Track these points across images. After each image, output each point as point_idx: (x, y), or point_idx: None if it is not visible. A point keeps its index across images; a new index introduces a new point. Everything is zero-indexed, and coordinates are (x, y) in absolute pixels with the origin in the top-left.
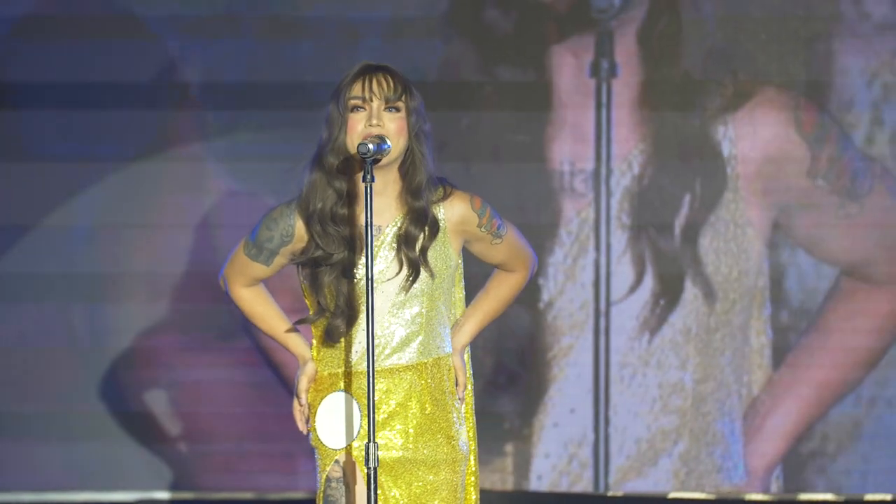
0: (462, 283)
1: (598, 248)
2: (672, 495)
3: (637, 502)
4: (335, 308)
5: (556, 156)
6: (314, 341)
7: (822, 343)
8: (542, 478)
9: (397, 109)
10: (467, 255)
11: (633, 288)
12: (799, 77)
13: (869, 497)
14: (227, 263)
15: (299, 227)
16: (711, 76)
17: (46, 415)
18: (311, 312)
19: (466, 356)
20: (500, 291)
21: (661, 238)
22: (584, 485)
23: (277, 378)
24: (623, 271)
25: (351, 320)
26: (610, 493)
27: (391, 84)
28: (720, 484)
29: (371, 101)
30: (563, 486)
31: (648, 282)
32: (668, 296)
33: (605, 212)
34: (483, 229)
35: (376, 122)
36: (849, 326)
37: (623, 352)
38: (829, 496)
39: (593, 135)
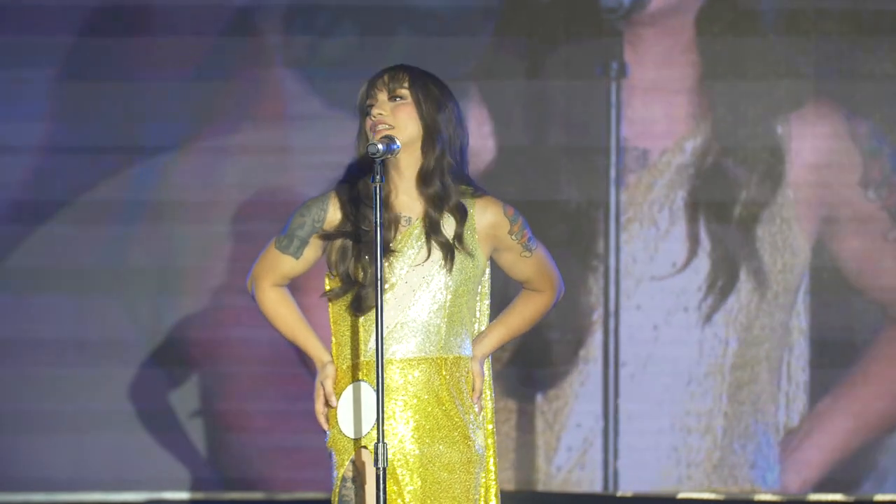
0: (488, 300)
1: (606, 248)
2: (681, 495)
3: (646, 502)
4: (363, 279)
5: (589, 151)
6: (333, 340)
7: (863, 387)
8: (560, 469)
9: (402, 97)
10: (493, 273)
11: (683, 267)
12: (853, 84)
13: (879, 497)
14: (255, 263)
15: (332, 211)
16: (768, 71)
17: (56, 414)
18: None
19: (487, 368)
20: (525, 310)
21: (713, 221)
22: (604, 476)
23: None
24: (669, 249)
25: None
26: (619, 494)
27: (394, 75)
28: (754, 480)
29: (376, 96)
30: (585, 480)
31: (689, 269)
32: (714, 278)
33: (614, 214)
34: (514, 237)
35: (378, 111)
36: (890, 372)
37: (663, 329)
38: (838, 496)
39: (602, 136)
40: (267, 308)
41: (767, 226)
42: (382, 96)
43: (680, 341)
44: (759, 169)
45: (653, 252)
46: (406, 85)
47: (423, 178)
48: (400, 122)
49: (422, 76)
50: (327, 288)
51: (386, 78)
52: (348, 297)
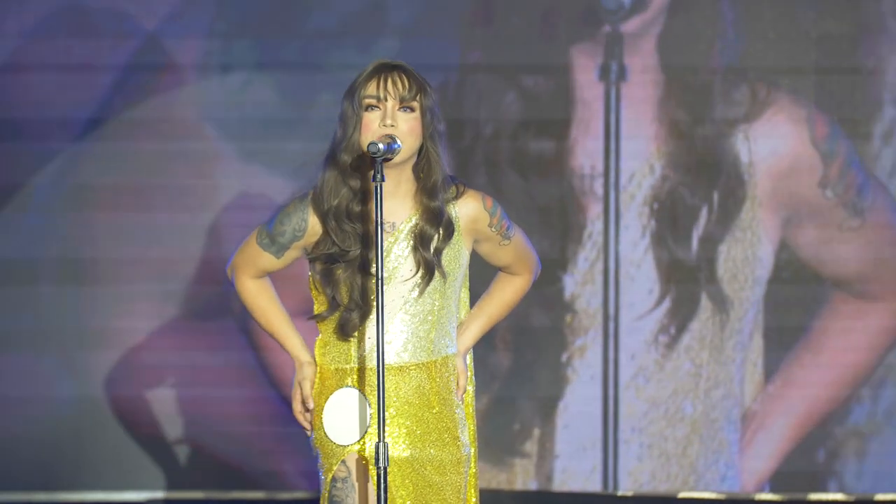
0: (467, 284)
1: (606, 254)
2: (682, 495)
3: (646, 502)
4: (350, 302)
5: (579, 158)
6: (320, 336)
7: (814, 360)
8: (550, 479)
9: (412, 109)
10: (471, 257)
11: (660, 300)
12: (810, 83)
13: (880, 497)
14: (236, 253)
15: (312, 222)
16: (730, 82)
17: (55, 415)
18: (316, 308)
19: (469, 359)
20: (504, 295)
21: (680, 244)
22: (593, 487)
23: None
24: (644, 275)
25: (365, 314)
26: (619, 493)
27: (406, 83)
28: (723, 488)
29: (385, 100)
30: (574, 488)
31: (669, 287)
32: (686, 302)
33: (613, 217)
34: (493, 229)
35: (390, 121)
36: (841, 343)
37: (639, 356)
38: (839, 496)
39: (602, 140)
40: (246, 299)
41: (738, 243)
42: (392, 103)
43: (655, 367)
44: (723, 184)
45: (630, 280)
46: (418, 97)
47: (429, 193)
48: (406, 135)
49: (424, 85)
50: (315, 299)
51: (399, 84)
52: (336, 317)
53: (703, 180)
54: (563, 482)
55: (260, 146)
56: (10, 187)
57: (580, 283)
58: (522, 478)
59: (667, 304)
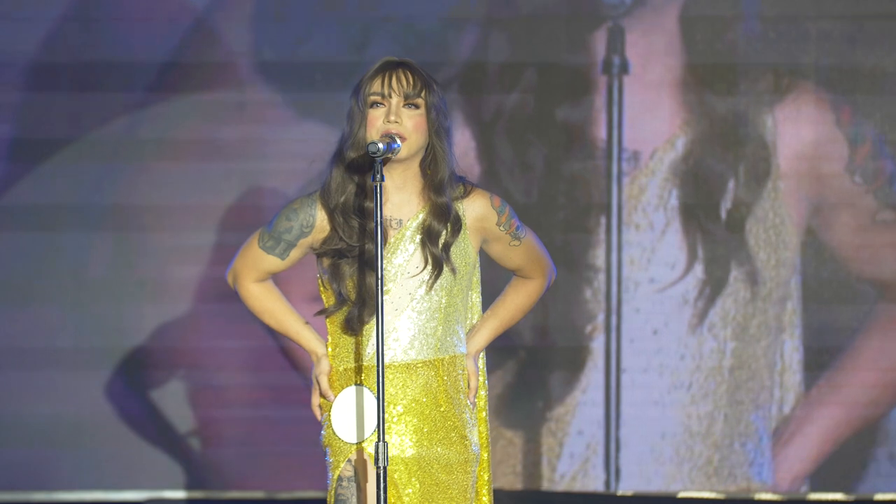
0: (479, 289)
1: (609, 251)
2: (682, 494)
3: (646, 502)
4: (356, 297)
5: (602, 130)
6: (329, 339)
7: (853, 372)
8: (574, 456)
9: (416, 106)
10: (484, 262)
11: (685, 273)
12: (834, 72)
13: (879, 496)
14: (236, 258)
15: (320, 218)
16: (753, 64)
17: (56, 414)
18: (326, 305)
19: (481, 362)
20: (517, 299)
21: (707, 221)
22: (602, 473)
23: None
24: (667, 252)
25: (371, 309)
26: (620, 493)
27: (410, 80)
28: (751, 478)
29: (390, 97)
30: (588, 482)
31: (693, 261)
32: (711, 280)
33: (616, 210)
34: (502, 228)
35: (394, 118)
36: (881, 359)
37: (663, 332)
38: (838, 496)
39: (604, 134)
40: (253, 304)
41: (760, 222)
42: (397, 100)
43: (679, 343)
44: (748, 164)
45: (650, 255)
46: (422, 94)
47: (436, 189)
48: (412, 132)
49: (430, 82)
50: (323, 297)
51: (404, 81)
52: (343, 312)
53: (726, 159)
54: (569, 483)
55: (316, 99)
56: (69, 138)
57: (594, 289)
58: (527, 478)
59: (690, 278)
